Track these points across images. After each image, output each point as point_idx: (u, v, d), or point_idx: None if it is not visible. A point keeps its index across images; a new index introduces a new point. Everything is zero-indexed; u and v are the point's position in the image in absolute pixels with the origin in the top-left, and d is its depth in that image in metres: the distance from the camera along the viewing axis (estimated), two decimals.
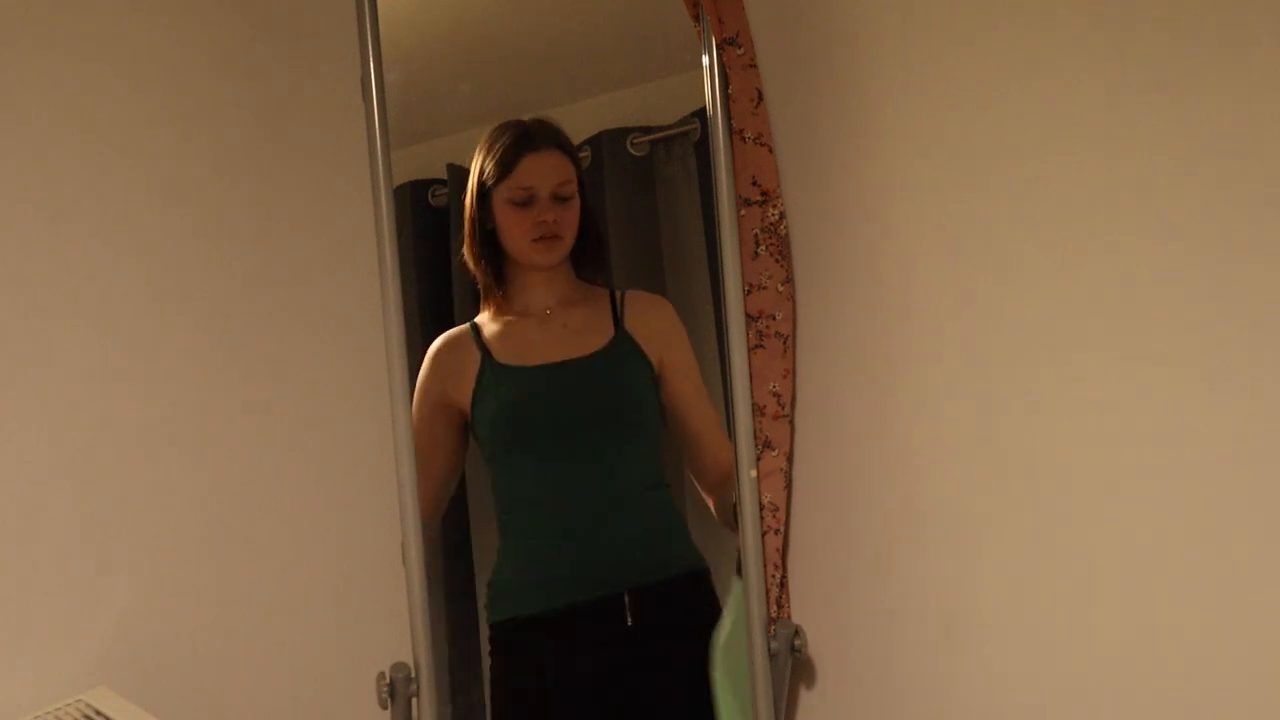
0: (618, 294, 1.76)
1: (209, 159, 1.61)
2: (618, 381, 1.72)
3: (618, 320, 1.73)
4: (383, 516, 1.58)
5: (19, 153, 1.48)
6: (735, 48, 1.60)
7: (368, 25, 1.47)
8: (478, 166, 1.73)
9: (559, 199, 1.71)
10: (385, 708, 1.46)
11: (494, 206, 1.72)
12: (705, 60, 1.59)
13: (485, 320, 1.76)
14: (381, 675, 1.46)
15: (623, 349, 1.72)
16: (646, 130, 1.81)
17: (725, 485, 1.67)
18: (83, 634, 1.49)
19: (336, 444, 1.68)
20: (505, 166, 1.71)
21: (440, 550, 1.73)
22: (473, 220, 1.74)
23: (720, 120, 1.58)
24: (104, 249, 1.53)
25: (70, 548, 1.49)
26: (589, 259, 1.77)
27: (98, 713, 1.38)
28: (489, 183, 1.72)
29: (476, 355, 1.71)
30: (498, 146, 1.72)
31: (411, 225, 1.77)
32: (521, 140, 1.72)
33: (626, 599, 1.65)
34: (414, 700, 1.46)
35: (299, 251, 1.67)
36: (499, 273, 1.74)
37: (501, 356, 1.71)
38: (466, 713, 1.76)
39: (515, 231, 1.71)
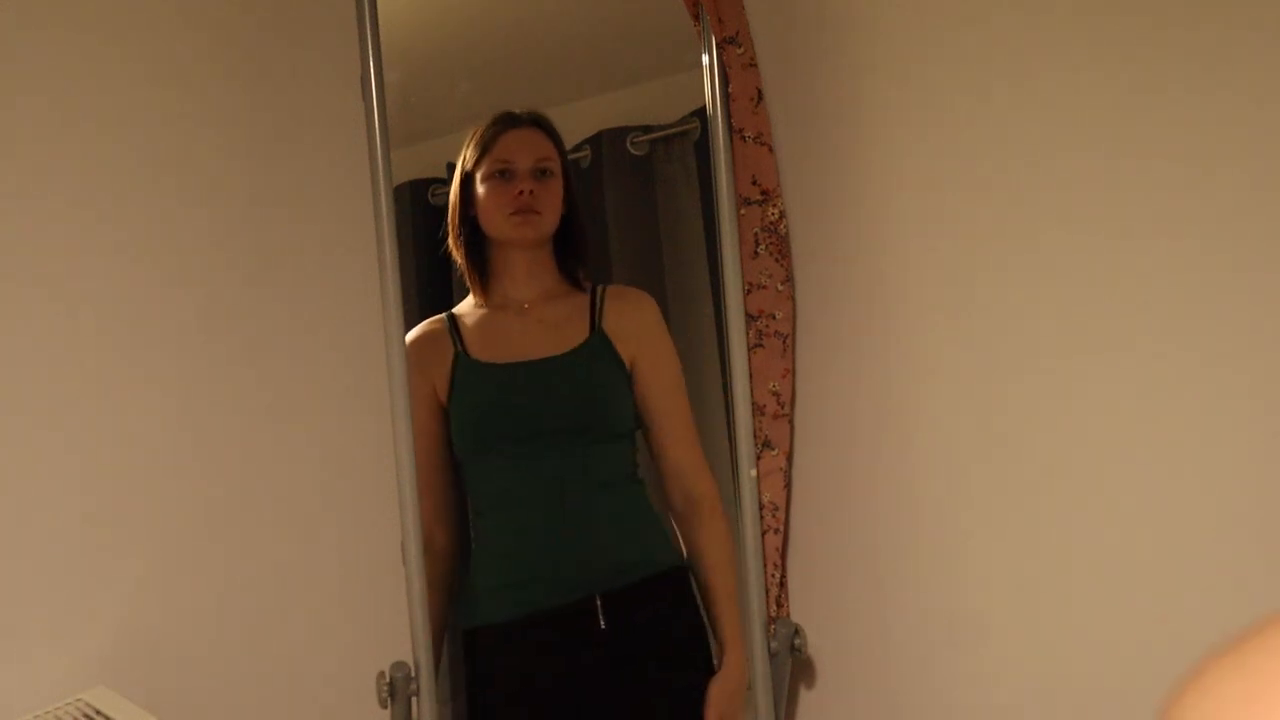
0: (598, 290, 1.74)
1: (209, 159, 1.61)
2: (589, 383, 1.69)
3: (595, 319, 1.71)
4: (383, 516, 1.58)
5: (20, 152, 1.48)
6: (735, 47, 1.60)
7: (368, 25, 1.47)
8: (462, 157, 1.73)
9: (538, 174, 1.70)
10: (385, 707, 1.46)
11: (475, 189, 1.71)
12: (705, 60, 1.59)
13: (464, 310, 1.74)
14: (381, 675, 1.46)
15: (596, 349, 1.69)
16: (646, 129, 1.81)
17: (679, 490, 1.67)
18: (83, 634, 1.49)
19: (336, 444, 1.69)
20: (485, 146, 1.71)
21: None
22: (456, 208, 1.72)
23: (720, 119, 1.58)
24: (104, 250, 1.53)
25: (70, 547, 1.49)
26: (572, 250, 1.74)
27: (98, 712, 1.38)
28: (470, 166, 1.72)
29: (450, 348, 1.70)
30: (480, 131, 1.72)
31: (411, 224, 1.77)
32: (502, 120, 1.72)
33: (599, 602, 1.62)
34: (414, 700, 1.46)
35: (300, 251, 1.67)
36: (481, 261, 1.73)
37: (475, 351, 1.69)
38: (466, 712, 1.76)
39: (493, 206, 1.69)
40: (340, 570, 1.67)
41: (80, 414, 1.51)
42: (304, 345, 1.67)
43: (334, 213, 1.68)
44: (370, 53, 1.47)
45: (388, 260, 1.48)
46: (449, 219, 1.73)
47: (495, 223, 1.69)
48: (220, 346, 1.61)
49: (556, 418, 1.66)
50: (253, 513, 1.62)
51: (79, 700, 1.41)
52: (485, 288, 1.72)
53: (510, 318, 1.72)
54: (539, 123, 1.73)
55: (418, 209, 1.82)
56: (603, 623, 1.62)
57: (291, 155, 1.66)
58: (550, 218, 1.71)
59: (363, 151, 1.49)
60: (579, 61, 1.88)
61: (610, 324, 1.70)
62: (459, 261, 1.73)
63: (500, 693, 1.65)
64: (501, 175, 1.69)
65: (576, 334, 1.70)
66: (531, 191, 1.68)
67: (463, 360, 1.68)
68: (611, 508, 1.66)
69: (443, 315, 1.73)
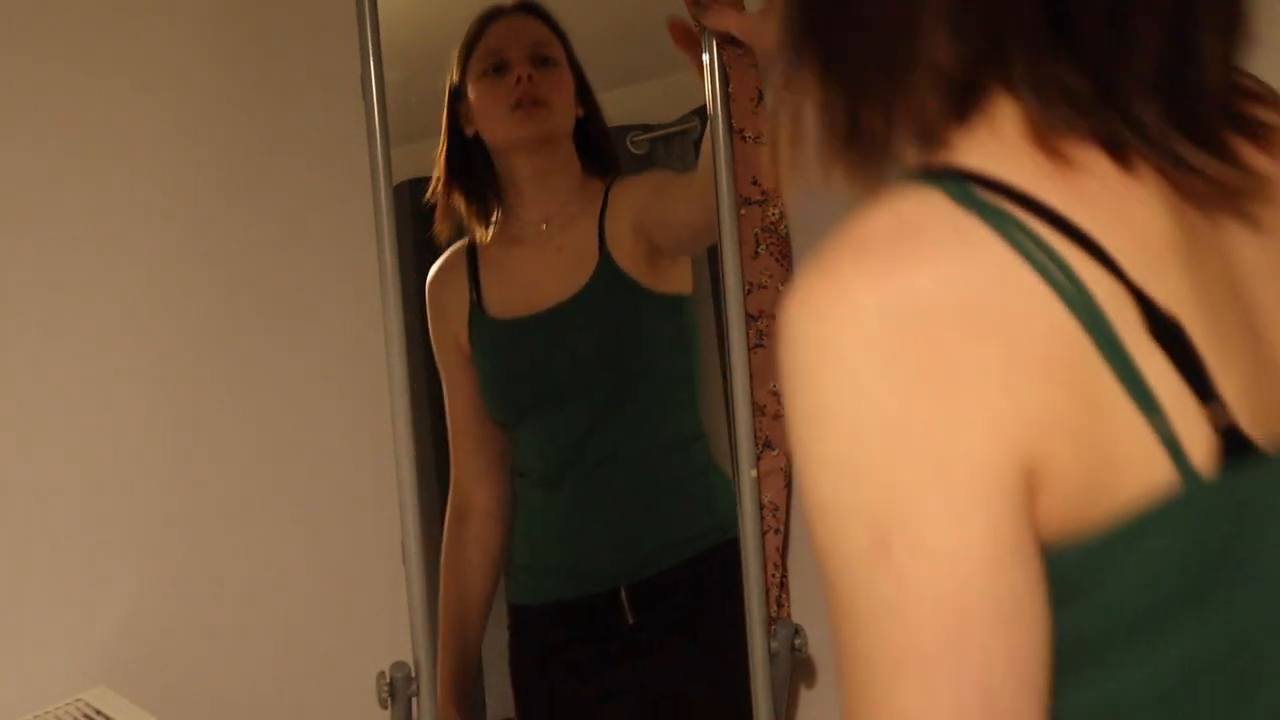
0: (608, 194, 1.56)
1: (208, 159, 1.61)
2: (601, 330, 1.55)
3: (601, 235, 1.54)
4: (383, 516, 1.58)
5: (18, 152, 1.48)
6: (736, 46, 1.60)
7: (368, 25, 1.47)
8: (449, 71, 1.55)
9: (537, 62, 1.50)
10: (385, 707, 1.46)
11: (468, 97, 1.51)
12: (705, 59, 1.59)
13: (485, 240, 1.57)
14: (381, 675, 1.46)
15: (603, 280, 1.54)
16: (647, 128, 1.81)
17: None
18: (83, 634, 1.49)
19: (336, 443, 1.68)
20: (471, 43, 1.53)
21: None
22: (449, 133, 1.54)
23: (720, 119, 1.58)
24: (103, 250, 1.53)
25: (70, 548, 1.49)
26: (595, 145, 1.57)
27: (98, 712, 1.38)
28: (458, 76, 1.52)
29: (466, 298, 1.58)
30: (465, 34, 1.54)
31: (411, 224, 1.77)
32: (488, 14, 1.54)
33: (624, 595, 1.56)
34: (414, 700, 1.46)
35: (299, 250, 1.67)
36: (490, 186, 1.53)
37: (490, 302, 1.58)
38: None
39: (490, 106, 1.50)
40: (340, 570, 1.67)
41: (80, 414, 1.51)
42: (304, 345, 1.67)
43: (334, 212, 1.67)
44: (370, 53, 1.47)
45: (388, 260, 1.47)
46: (440, 154, 1.54)
47: (496, 125, 1.51)
48: (219, 346, 1.61)
49: (578, 376, 1.54)
50: (252, 513, 1.62)
51: (79, 700, 1.41)
52: (503, 214, 1.54)
53: (528, 251, 1.57)
54: (530, 8, 1.55)
55: (418, 209, 1.82)
56: (630, 617, 1.55)
57: (291, 155, 1.66)
58: (560, 110, 1.52)
59: (363, 151, 1.49)
60: (580, 60, 1.87)
61: (612, 231, 1.52)
62: (455, 204, 1.55)
63: (533, 670, 1.63)
64: (495, 70, 1.50)
65: (586, 264, 1.52)
66: (530, 77, 1.48)
67: (477, 318, 1.57)
68: (649, 483, 1.56)
69: (461, 246, 1.58)
